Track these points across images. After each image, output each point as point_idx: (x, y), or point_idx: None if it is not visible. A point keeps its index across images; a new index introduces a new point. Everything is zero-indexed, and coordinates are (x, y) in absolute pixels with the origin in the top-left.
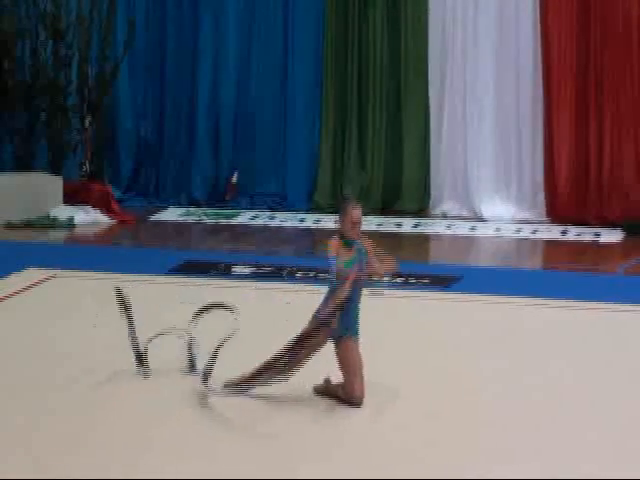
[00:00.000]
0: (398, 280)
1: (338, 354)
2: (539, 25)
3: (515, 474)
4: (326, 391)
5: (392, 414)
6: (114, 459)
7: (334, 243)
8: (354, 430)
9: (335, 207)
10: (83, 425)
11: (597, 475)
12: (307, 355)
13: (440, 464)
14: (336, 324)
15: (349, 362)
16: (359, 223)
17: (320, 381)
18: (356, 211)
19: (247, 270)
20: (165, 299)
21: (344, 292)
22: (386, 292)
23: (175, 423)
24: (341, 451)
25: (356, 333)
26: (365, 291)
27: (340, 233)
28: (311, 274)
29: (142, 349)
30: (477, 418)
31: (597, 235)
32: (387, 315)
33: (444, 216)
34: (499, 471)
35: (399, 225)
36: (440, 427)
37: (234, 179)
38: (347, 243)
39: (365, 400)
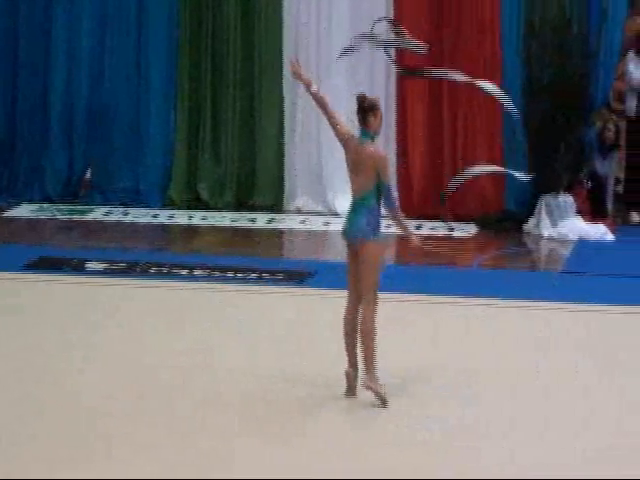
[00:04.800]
0: (252, 276)
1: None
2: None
3: None
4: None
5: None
6: None
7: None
8: None
9: (189, 203)
10: None
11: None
12: None
13: None
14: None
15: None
16: None
17: None
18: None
19: (100, 266)
20: None
21: None
22: (240, 288)
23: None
24: None
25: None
26: None
27: (371, 133)
28: (165, 270)
29: None
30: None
31: (451, 230)
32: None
33: (298, 211)
34: None
35: (253, 220)
36: None
37: (87, 175)
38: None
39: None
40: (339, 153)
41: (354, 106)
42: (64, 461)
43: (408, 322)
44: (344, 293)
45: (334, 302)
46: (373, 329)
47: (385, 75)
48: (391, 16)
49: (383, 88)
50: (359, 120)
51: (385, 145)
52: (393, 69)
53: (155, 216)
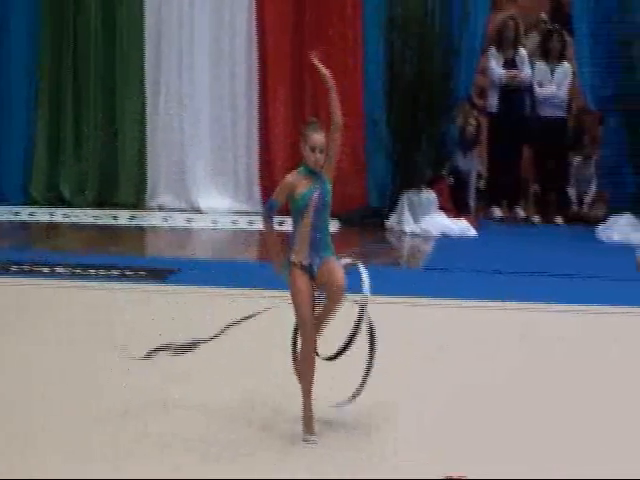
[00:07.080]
0: (114, 273)
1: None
2: (254, 21)
3: None
4: None
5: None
6: None
7: (285, 183)
8: None
9: (51, 200)
10: None
11: None
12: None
13: None
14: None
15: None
16: (319, 149)
17: None
18: (317, 135)
19: None
20: None
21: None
22: (102, 286)
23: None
24: None
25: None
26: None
27: (303, 162)
28: (26, 268)
29: None
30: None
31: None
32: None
33: (160, 208)
34: None
35: (115, 218)
36: None
37: None
38: (307, 172)
39: None
40: (201, 151)
41: (217, 108)
42: None
43: (268, 320)
44: (207, 290)
45: (196, 299)
46: (307, 370)
47: (247, 78)
48: (253, 14)
49: (244, 91)
50: None
51: (248, 143)
52: (255, 71)
53: (16, 214)
